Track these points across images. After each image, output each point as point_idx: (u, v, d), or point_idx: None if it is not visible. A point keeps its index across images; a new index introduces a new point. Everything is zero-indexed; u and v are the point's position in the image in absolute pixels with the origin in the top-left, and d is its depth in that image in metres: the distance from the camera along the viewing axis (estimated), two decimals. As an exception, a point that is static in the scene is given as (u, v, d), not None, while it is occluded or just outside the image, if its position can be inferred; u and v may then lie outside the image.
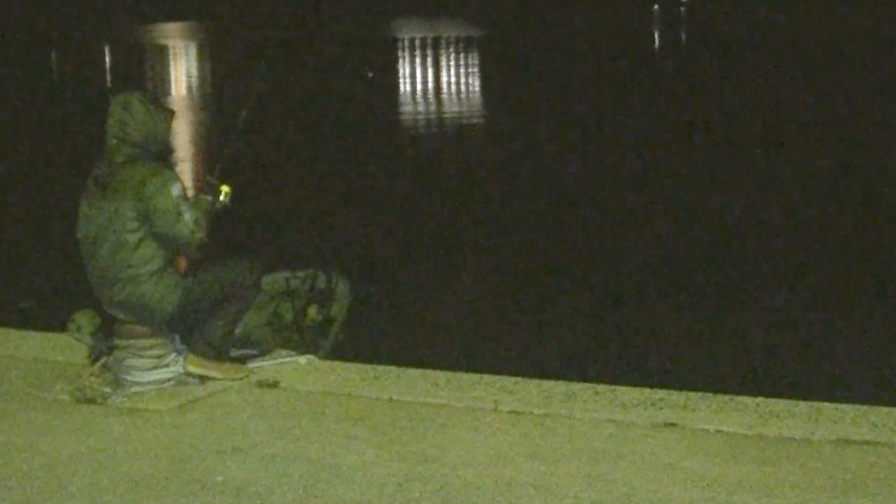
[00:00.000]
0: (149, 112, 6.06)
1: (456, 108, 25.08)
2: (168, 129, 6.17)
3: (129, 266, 5.96)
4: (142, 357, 6.11)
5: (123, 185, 5.96)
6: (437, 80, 32.41)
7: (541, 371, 6.69)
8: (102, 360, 6.24)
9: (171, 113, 6.21)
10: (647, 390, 5.86)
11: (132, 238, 5.95)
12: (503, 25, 56.44)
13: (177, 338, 6.23)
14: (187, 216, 5.97)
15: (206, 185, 6.22)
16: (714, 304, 9.44)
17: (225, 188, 6.21)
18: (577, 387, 5.92)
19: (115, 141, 6.05)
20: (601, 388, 5.90)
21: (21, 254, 11.86)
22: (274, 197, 14.49)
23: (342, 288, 7.00)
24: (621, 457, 5.04)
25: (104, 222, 6.00)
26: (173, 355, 6.16)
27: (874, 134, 18.58)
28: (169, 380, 6.12)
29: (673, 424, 5.36)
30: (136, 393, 6.04)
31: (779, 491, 4.68)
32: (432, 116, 23.86)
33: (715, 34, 46.98)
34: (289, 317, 6.82)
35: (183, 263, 6.09)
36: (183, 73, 37.68)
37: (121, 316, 6.09)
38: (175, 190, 5.97)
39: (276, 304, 6.83)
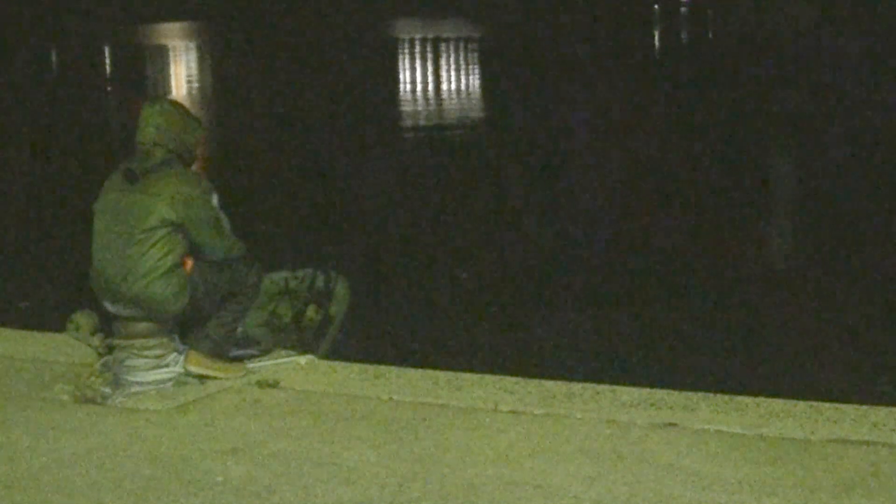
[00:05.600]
0: (184, 121, 6.13)
1: (455, 109, 25.08)
2: (198, 138, 6.23)
3: (145, 261, 5.97)
4: (142, 357, 6.11)
5: (159, 184, 5.99)
6: (436, 80, 32.41)
7: (541, 371, 6.69)
8: (102, 360, 6.25)
9: (201, 123, 6.29)
10: (647, 390, 5.86)
11: (151, 235, 5.97)
12: (502, 25, 56.43)
13: (177, 337, 6.24)
14: (227, 227, 6.05)
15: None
16: (714, 304, 9.45)
17: None
18: (577, 387, 5.92)
19: (149, 145, 6.08)
20: (601, 388, 5.90)
21: (21, 254, 11.86)
22: (273, 197, 14.51)
23: (341, 288, 7.00)
24: (621, 457, 5.04)
25: (127, 216, 6.01)
26: (173, 355, 6.16)
27: (877, 130, 18.58)
28: (169, 380, 6.12)
29: (673, 424, 5.36)
30: (136, 393, 6.04)
31: (779, 491, 4.68)
32: (432, 116, 23.86)
33: (715, 34, 46.98)
34: (288, 317, 6.82)
35: (189, 263, 6.11)
36: (183, 73, 37.68)
37: (128, 312, 6.08)
38: (215, 200, 6.05)
39: (275, 304, 6.83)
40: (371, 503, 4.71)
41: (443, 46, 45.72)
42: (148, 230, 5.97)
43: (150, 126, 6.09)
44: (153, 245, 5.98)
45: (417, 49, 45.19)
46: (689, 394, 5.77)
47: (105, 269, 6.09)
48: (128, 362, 6.11)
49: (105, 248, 6.09)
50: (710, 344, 8.38)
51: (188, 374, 6.15)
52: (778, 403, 5.62)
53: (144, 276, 5.98)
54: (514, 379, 6.12)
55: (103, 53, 47.18)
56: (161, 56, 44.44)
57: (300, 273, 6.96)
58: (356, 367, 6.44)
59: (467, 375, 6.21)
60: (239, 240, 6.20)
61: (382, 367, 6.43)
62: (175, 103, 6.31)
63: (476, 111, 24.86)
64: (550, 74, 30.80)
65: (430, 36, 51.26)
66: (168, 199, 5.96)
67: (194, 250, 6.09)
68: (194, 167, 6.27)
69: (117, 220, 6.05)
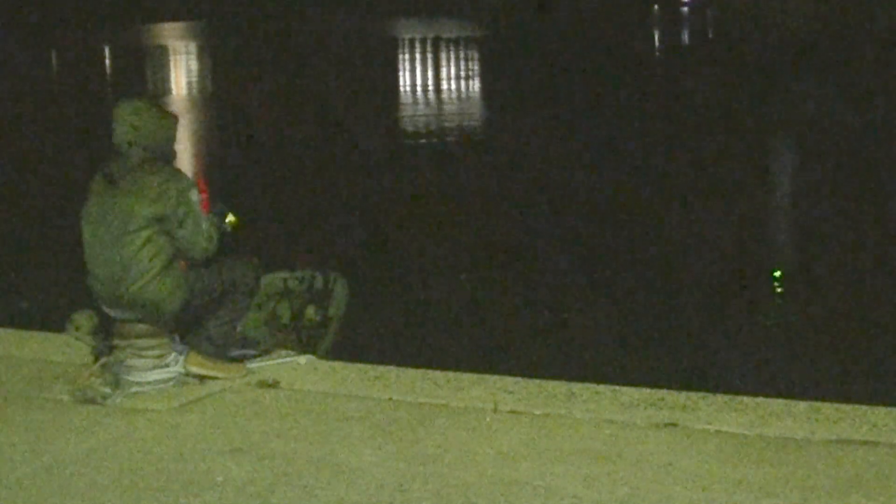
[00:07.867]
0: (157, 116, 6.11)
1: (454, 109, 25.07)
2: (174, 133, 6.21)
3: (136, 264, 5.96)
4: (142, 357, 6.11)
5: (139, 184, 5.98)
6: (436, 81, 32.42)
7: (541, 371, 6.69)
8: (102, 360, 6.24)
9: (176, 118, 6.26)
10: (647, 390, 5.86)
11: (138, 236, 5.96)
12: (502, 25, 56.45)
13: (177, 338, 6.24)
14: (204, 226, 6.03)
15: (214, 206, 6.25)
16: (712, 304, 9.45)
17: (231, 218, 6.25)
18: (577, 387, 5.92)
19: (126, 145, 6.07)
20: (601, 388, 5.90)
21: (21, 254, 11.86)
22: (272, 197, 14.51)
23: (340, 288, 7.01)
24: (621, 457, 5.04)
25: (112, 219, 6.00)
26: (173, 355, 6.16)
27: (880, 130, 18.58)
28: (169, 380, 6.12)
29: (673, 424, 5.36)
30: (136, 393, 6.04)
31: (779, 491, 4.68)
32: (431, 117, 23.85)
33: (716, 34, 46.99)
34: (287, 317, 6.83)
35: (184, 263, 6.10)
36: (183, 73, 37.69)
37: (125, 315, 6.09)
38: (194, 196, 6.02)
39: (274, 304, 6.84)
40: (371, 503, 4.71)
41: (442, 46, 45.72)
42: (133, 231, 5.95)
43: (125, 126, 6.06)
44: (141, 247, 5.96)
45: (417, 49, 45.20)
46: (689, 394, 5.77)
47: (99, 274, 6.09)
48: (128, 362, 6.11)
49: (96, 255, 6.09)
50: (709, 344, 8.38)
51: (188, 374, 6.15)
52: (778, 403, 5.62)
53: (138, 279, 5.97)
54: (514, 379, 6.12)
55: (103, 53, 47.18)
56: (161, 56, 44.45)
57: (299, 273, 6.96)
58: (356, 367, 6.44)
59: (467, 375, 6.21)
60: (214, 238, 6.11)
61: (382, 367, 6.42)
62: (148, 100, 6.27)
63: (473, 112, 24.84)
64: (549, 75, 30.79)
65: (431, 36, 51.27)
66: (147, 196, 5.95)
67: (172, 247, 6.05)
68: (194, 170, 6.25)
69: (102, 225, 6.03)
